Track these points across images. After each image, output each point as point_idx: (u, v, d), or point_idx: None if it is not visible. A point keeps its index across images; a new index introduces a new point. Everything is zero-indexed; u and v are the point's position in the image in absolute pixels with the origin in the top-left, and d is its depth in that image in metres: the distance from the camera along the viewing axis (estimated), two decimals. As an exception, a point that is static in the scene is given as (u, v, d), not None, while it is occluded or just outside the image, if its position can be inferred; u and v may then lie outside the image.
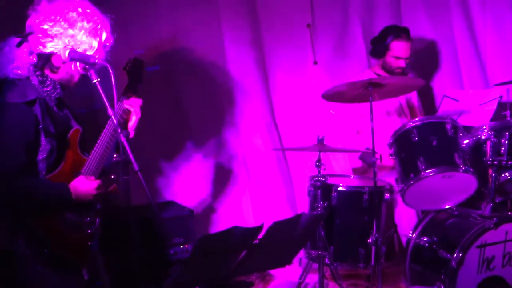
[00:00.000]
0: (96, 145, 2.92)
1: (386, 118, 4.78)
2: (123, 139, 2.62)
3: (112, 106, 2.63)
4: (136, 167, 2.59)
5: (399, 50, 4.67)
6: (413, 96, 4.94)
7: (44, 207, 2.77)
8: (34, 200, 2.75)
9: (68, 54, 2.80)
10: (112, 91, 2.58)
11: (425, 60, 4.98)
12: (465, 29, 5.59)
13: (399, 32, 4.69)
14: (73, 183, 2.81)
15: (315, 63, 5.01)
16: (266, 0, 4.86)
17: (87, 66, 2.80)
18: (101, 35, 2.93)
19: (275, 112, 4.95)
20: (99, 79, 2.72)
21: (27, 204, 2.74)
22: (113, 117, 2.66)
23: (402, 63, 4.70)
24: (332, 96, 4.06)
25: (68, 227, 2.83)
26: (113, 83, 2.60)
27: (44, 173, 2.81)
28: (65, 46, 2.81)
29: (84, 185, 2.82)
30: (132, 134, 3.09)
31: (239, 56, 4.79)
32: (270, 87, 4.93)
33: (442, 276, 3.63)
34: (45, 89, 2.88)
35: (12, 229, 2.75)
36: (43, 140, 2.79)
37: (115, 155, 2.65)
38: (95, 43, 2.91)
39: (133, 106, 3.13)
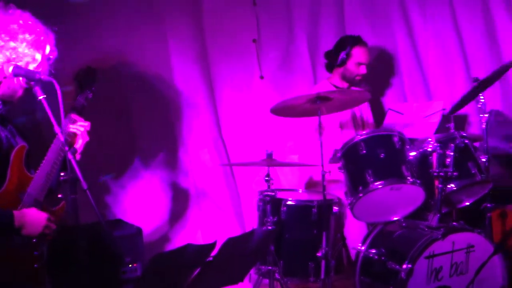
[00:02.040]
0: (43, 162, 2.84)
1: (339, 131, 4.82)
2: (70, 157, 2.55)
3: (58, 123, 2.56)
4: (84, 185, 2.53)
5: (360, 55, 4.80)
6: (364, 110, 5.01)
7: None
8: None
9: (12, 70, 2.71)
10: (59, 107, 2.52)
11: (370, 73, 5.04)
12: (408, 41, 5.72)
13: (357, 39, 4.82)
14: (22, 212, 2.71)
15: (262, 77, 5.04)
16: (212, 16, 4.86)
17: (32, 83, 2.72)
18: (44, 48, 2.86)
19: (221, 127, 4.95)
20: (45, 96, 2.64)
21: None
22: (59, 134, 2.60)
23: (363, 69, 4.82)
24: (281, 110, 4.06)
25: (13, 248, 2.71)
26: (60, 99, 2.54)
27: None
28: (8, 60, 2.74)
29: (32, 216, 2.72)
30: (78, 157, 3.01)
31: (186, 72, 4.78)
32: (216, 102, 4.93)
33: (391, 287, 3.67)
34: None
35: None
36: None
37: (62, 173, 2.58)
38: (38, 56, 2.84)
39: (80, 130, 3.06)
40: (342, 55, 4.78)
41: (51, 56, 2.91)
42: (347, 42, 4.81)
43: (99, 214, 2.57)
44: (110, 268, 3.60)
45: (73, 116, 3.10)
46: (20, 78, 2.78)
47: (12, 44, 2.76)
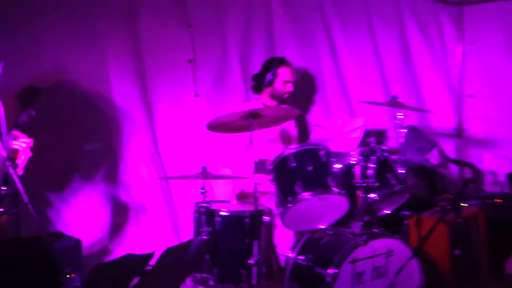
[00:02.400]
0: None
1: (269, 146, 4.85)
2: (12, 171, 2.49)
3: (0, 139, 2.50)
4: (25, 199, 2.47)
5: (285, 74, 4.89)
6: (291, 126, 5.06)
7: None
8: None
9: None
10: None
11: (299, 91, 5.12)
12: (331, 61, 5.86)
13: (281, 60, 4.92)
14: None
15: (197, 95, 5.03)
16: (149, 37, 4.80)
17: None
18: None
19: (158, 142, 4.88)
20: None
21: None
22: (1, 150, 2.53)
23: (290, 87, 4.91)
24: (216, 126, 4.04)
25: None
26: (2, 116, 2.48)
27: None
28: None
29: None
30: (21, 172, 2.92)
31: (125, 90, 4.70)
32: (154, 119, 4.86)
33: (319, 291, 3.69)
34: None
35: None
36: None
37: (4, 188, 2.51)
38: None
39: (22, 146, 2.98)
40: (269, 75, 4.85)
41: None
42: (273, 64, 4.89)
43: (40, 227, 2.51)
44: (49, 280, 3.50)
45: (15, 133, 3.02)
46: None
47: None
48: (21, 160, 2.98)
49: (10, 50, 3.94)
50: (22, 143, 2.99)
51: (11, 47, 4.00)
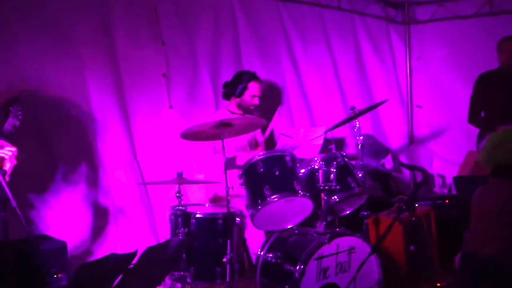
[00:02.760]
0: None
1: (238, 152, 4.82)
2: (0, 178, 2.42)
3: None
4: (13, 203, 2.41)
5: (255, 89, 4.86)
6: (258, 134, 5.05)
7: None
8: None
9: None
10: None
11: (265, 103, 5.11)
12: (294, 75, 5.90)
13: (252, 74, 4.89)
14: None
15: (171, 107, 5.00)
16: (125, 53, 4.75)
17: None
18: None
19: (136, 150, 4.82)
20: None
21: None
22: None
23: (257, 101, 4.89)
24: (189, 135, 4.00)
25: None
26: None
27: None
28: None
29: None
30: (7, 179, 2.85)
31: (103, 101, 4.62)
32: (131, 128, 4.80)
33: (287, 286, 3.66)
34: None
35: None
36: None
37: (-8, 193, 2.44)
38: None
39: (8, 155, 2.90)
40: (240, 87, 4.83)
41: None
42: (244, 77, 4.87)
43: (28, 230, 2.45)
44: (36, 279, 3.42)
45: (1, 142, 2.94)
46: None
47: None
48: (7, 167, 2.91)
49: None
50: (7, 152, 2.91)
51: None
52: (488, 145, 3.51)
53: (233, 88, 4.86)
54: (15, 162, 2.93)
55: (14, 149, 2.96)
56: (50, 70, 4.34)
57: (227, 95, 4.94)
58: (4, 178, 2.44)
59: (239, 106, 4.88)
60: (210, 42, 5.30)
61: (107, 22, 4.67)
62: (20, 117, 3.12)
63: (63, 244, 3.82)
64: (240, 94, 4.84)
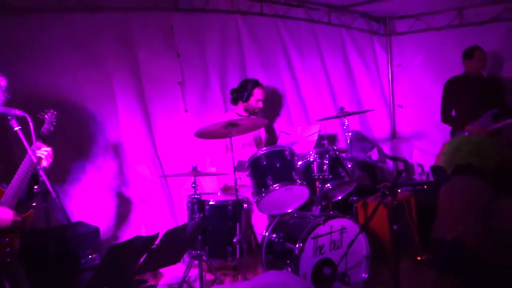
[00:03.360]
0: (14, 179, 2.67)
1: (244, 148, 4.83)
2: (42, 173, 2.45)
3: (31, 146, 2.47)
4: (54, 195, 2.43)
5: (259, 94, 4.88)
6: (262, 132, 5.06)
7: None
8: None
9: None
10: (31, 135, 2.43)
11: (267, 105, 5.13)
12: (291, 81, 5.89)
13: (256, 82, 4.90)
14: None
15: (186, 111, 5.02)
16: (146, 65, 4.78)
17: (9, 117, 2.58)
18: None
19: (157, 148, 4.85)
20: (20, 127, 2.53)
21: None
22: (32, 157, 2.49)
23: (261, 104, 4.91)
24: (203, 134, 4.03)
25: None
26: (32, 129, 2.46)
27: None
28: None
29: (2, 214, 2.57)
30: (46, 166, 2.87)
31: (128, 107, 4.66)
32: (152, 129, 4.83)
33: (288, 261, 3.67)
34: None
35: None
36: None
37: (36, 187, 2.47)
38: None
39: (44, 154, 2.92)
40: (246, 94, 4.85)
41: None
42: (249, 85, 4.88)
43: (67, 217, 2.48)
44: (72, 259, 3.45)
45: (38, 144, 2.96)
46: None
47: None
48: (45, 164, 2.93)
49: (32, 75, 3.90)
50: (44, 152, 2.93)
51: (31, 73, 3.94)
52: (448, 150, 3.63)
53: (239, 94, 4.88)
54: (51, 160, 2.95)
55: (49, 149, 2.97)
56: (80, 82, 4.37)
57: (234, 101, 4.96)
58: (45, 174, 2.47)
59: (246, 109, 4.90)
60: (219, 54, 5.31)
61: (129, 39, 4.69)
62: (54, 123, 3.13)
63: (96, 229, 3.86)
64: (247, 99, 4.86)
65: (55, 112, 3.15)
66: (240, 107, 4.92)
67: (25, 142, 2.49)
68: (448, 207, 3.53)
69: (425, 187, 5.09)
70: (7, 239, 2.60)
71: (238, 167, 4.36)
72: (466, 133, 5.19)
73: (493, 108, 5.21)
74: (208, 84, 5.23)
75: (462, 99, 5.33)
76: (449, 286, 3.49)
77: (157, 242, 2.53)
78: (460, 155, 3.54)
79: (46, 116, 3.09)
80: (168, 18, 4.95)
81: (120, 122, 4.62)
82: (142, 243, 2.47)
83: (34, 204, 2.76)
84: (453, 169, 3.60)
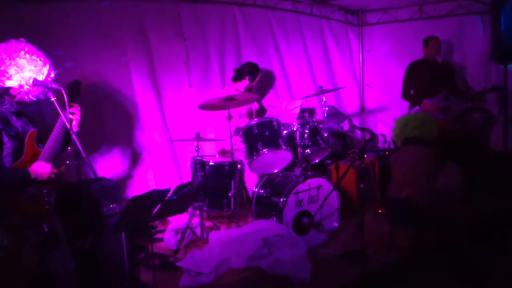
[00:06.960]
0: (49, 140, 2.64)
1: (240, 119, 4.85)
2: (74, 137, 2.48)
3: (64, 112, 2.49)
4: (84, 155, 2.46)
5: (259, 77, 4.91)
6: (254, 106, 5.09)
7: (11, 186, 2.51)
8: (3, 181, 2.49)
9: (32, 81, 2.57)
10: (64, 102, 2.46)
11: (259, 83, 5.14)
12: (279, 63, 5.85)
13: (259, 67, 4.91)
14: (32, 166, 2.56)
15: (190, 86, 5.01)
16: (157, 47, 4.72)
17: (46, 90, 2.58)
18: (43, 73, 2.63)
19: (166, 117, 4.84)
20: (55, 98, 2.53)
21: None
22: (66, 121, 2.50)
23: (256, 83, 4.91)
24: (205, 106, 4.05)
25: (30, 197, 2.58)
26: (66, 98, 2.47)
27: (10, 163, 2.56)
28: (23, 79, 2.55)
29: (41, 168, 2.57)
30: (76, 129, 2.80)
31: (142, 83, 4.62)
32: (162, 102, 4.81)
33: (274, 212, 3.77)
34: (4, 107, 2.59)
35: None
36: (6, 141, 2.55)
37: (69, 148, 2.49)
38: (44, 71, 2.65)
39: (75, 111, 2.87)
40: (251, 76, 4.81)
41: (49, 78, 2.68)
42: (255, 69, 4.86)
43: (95, 173, 2.52)
44: (96, 208, 3.49)
45: (73, 109, 2.88)
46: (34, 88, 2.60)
47: (21, 74, 2.55)
48: (76, 121, 2.84)
49: (61, 60, 3.86)
50: (76, 109, 2.83)
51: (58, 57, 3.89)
52: (398, 126, 3.74)
53: (242, 74, 4.83)
54: (79, 117, 2.83)
55: (79, 108, 2.79)
56: (104, 66, 4.34)
57: (235, 79, 4.90)
58: (76, 137, 2.49)
59: (247, 87, 4.85)
60: (218, 39, 5.25)
61: (143, 25, 4.64)
62: (77, 98, 3.02)
63: (116, 183, 3.90)
64: (251, 80, 4.83)
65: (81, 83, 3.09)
66: (239, 85, 4.87)
67: (59, 108, 2.49)
68: (399, 172, 3.66)
69: (387, 153, 5.15)
70: (45, 190, 2.63)
71: (236, 132, 4.42)
72: (422, 108, 5.27)
73: (444, 89, 5.28)
74: (209, 64, 5.19)
75: (420, 80, 5.39)
76: (401, 233, 3.63)
77: (169, 195, 2.58)
78: (407, 130, 3.67)
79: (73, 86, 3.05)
80: (176, 7, 4.87)
81: (135, 95, 4.60)
82: (157, 195, 2.52)
83: (67, 162, 2.78)
84: (402, 141, 3.73)
